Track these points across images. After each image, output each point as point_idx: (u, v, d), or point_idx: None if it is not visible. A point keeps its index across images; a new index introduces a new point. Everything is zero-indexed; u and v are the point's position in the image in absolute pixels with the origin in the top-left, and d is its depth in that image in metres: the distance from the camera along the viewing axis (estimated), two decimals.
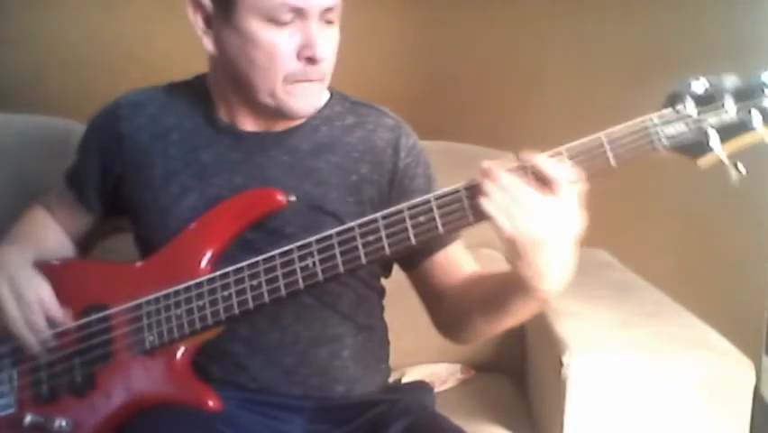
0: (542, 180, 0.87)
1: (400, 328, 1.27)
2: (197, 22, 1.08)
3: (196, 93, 1.18)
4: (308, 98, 1.08)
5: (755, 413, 1.32)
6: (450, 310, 1.11)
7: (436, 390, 1.36)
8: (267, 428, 1.10)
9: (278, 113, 1.08)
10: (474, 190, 0.90)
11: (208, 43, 1.08)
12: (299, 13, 1.01)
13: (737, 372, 1.30)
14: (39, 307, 1.08)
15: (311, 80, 1.06)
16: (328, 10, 1.03)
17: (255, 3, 1.01)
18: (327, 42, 1.05)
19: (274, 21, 1.01)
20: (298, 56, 1.03)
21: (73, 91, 1.96)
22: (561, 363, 1.29)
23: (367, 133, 1.15)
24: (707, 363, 1.31)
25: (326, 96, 1.18)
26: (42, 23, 2.03)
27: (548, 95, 2.05)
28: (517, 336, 1.71)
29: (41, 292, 1.09)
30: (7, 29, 2.03)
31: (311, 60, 1.03)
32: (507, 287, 0.96)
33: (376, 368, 1.22)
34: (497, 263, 1.73)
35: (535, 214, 0.86)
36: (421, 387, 1.29)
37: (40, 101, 1.89)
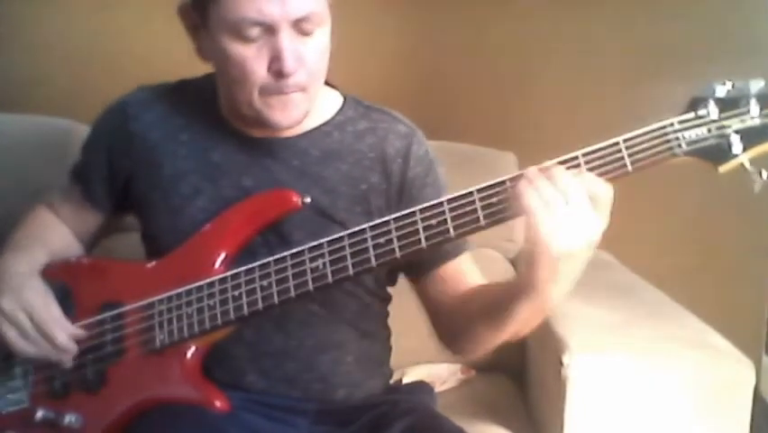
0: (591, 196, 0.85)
1: (401, 329, 1.27)
2: (188, 29, 1.08)
3: (205, 93, 1.16)
4: (287, 110, 1.04)
5: (755, 413, 1.32)
6: (452, 321, 1.10)
7: (437, 390, 1.36)
8: (271, 430, 1.10)
9: (261, 124, 1.06)
10: (486, 192, 0.90)
11: (199, 51, 1.08)
12: (265, 27, 0.98)
13: (737, 372, 1.30)
14: (53, 321, 1.06)
15: (286, 93, 1.03)
16: (300, 21, 0.98)
17: (222, 19, 0.99)
18: (304, 54, 1.01)
19: (241, 37, 0.99)
20: (269, 69, 1.01)
21: (74, 91, 1.96)
22: (561, 363, 1.29)
23: (378, 139, 1.13)
24: (707, 363, 1.31)
25: (339, 101, 1.17)
26: (42, 23, 2.03)
27: (548, 94, 2.05)
28: None
29: (53, 309, 1.08)
30: (8, 29, 2.03)
31: (280, 74, 1.00)
32: (511, 292, 0.95)
33: (378, 372, 1.22)
34: (496, 264, 1.76)
35: (580, 225, 0.84)
36: (421, 387, 1.29)
37: (40, 101, 1.89)
